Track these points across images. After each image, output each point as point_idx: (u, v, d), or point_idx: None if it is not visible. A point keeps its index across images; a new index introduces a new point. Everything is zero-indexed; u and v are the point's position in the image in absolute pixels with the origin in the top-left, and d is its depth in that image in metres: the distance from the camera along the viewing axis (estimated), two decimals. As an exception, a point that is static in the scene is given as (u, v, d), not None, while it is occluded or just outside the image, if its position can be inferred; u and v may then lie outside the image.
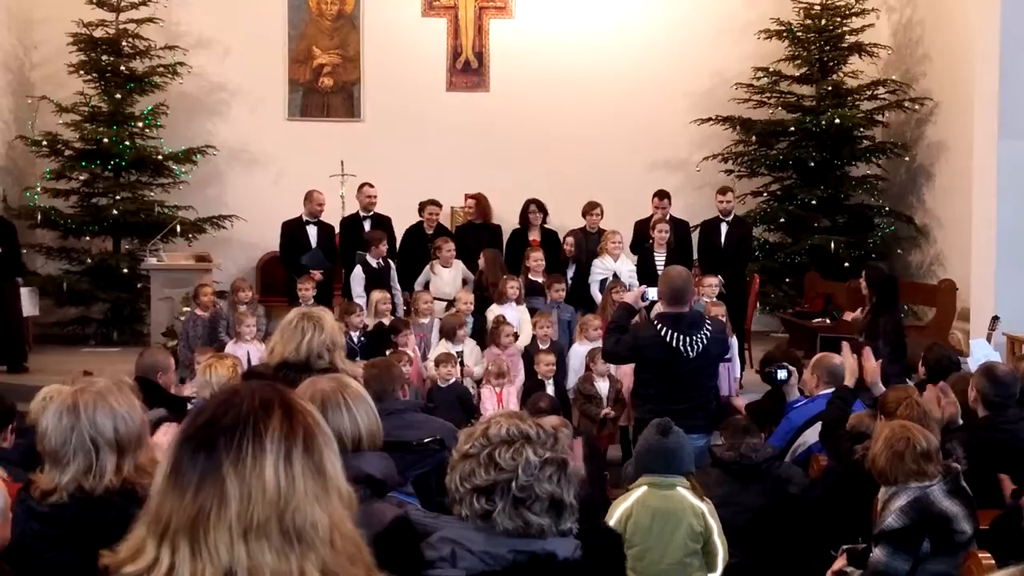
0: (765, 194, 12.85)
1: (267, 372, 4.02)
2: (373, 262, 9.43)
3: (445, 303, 9.26)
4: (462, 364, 7.98)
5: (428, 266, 9.61)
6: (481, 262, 9.45)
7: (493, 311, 8.72)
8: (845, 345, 5.52)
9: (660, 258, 9.55)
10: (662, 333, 5.60)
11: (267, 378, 3.92)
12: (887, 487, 4.17)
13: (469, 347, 8.23)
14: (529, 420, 2.37)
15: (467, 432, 2.39)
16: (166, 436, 3.57)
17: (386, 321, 8.53)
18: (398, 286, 9.48)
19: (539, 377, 7.78)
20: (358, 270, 9.36)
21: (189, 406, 6.33)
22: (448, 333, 8.16)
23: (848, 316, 8.94)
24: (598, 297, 9.28)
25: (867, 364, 5.38)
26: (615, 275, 9.31)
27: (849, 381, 5.32)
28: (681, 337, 5.58)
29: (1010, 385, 4.96)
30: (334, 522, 1.56)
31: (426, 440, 4.60)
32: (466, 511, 2.29)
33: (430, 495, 4.51)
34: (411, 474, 4.34)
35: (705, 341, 5.61)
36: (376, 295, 8.75)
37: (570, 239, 9.95)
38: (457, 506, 2.33)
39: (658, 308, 6.09)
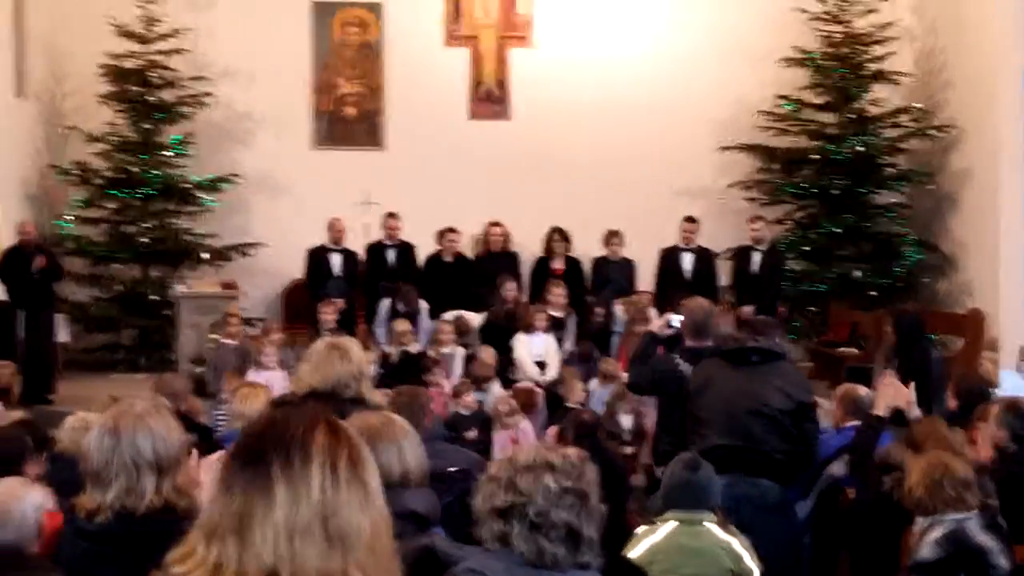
0: (789, 222, 12.81)
1: (295, 401, 4.04)
2: (400, 308, 9.49)
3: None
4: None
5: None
6: (511, 289, 9.42)
7: (520, 340, 8.71)
8: (884, 374, 5.50)
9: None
10: (680, 368, 5.59)
11: (297, 406, 3.96)
12: (924, 518, 4.13)
13: (498, 436, 8.04)
14: (558, 451, 2.39)
15: (497, 460, 2.47)
16: (213, 467, 3.62)
17: (412, 349, 8.55)
18: (428, 324, 9.49)
19: (571, 404, 7.71)
20: (383, 309, 9.38)
21: (216, 434, 6.40)
22: (477, 380, 8.09)
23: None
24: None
25: (899, 390, 5.34)
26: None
27: (881, 410, 5.26)
28: None
29: None
30: (375, 531, 1.63)
31: (451, 469, 4.63)
32: (486, 533, 2.35)
33: (455, 524, 4.53)
34: (437, 504, 4.38)
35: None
36: (400, 326, 8.76)
37: (599, 310, 9.84)
38: (479, 528, 2.38)
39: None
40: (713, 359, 5.35)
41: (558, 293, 9.36)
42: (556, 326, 9.24)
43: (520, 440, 7.26)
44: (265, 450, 1.60)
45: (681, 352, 5.79)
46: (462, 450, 5.08)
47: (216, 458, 3.96)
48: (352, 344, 4.13)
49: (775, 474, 5.10)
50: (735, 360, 5.22)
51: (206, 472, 3.24)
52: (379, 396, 4.43)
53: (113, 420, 2.86)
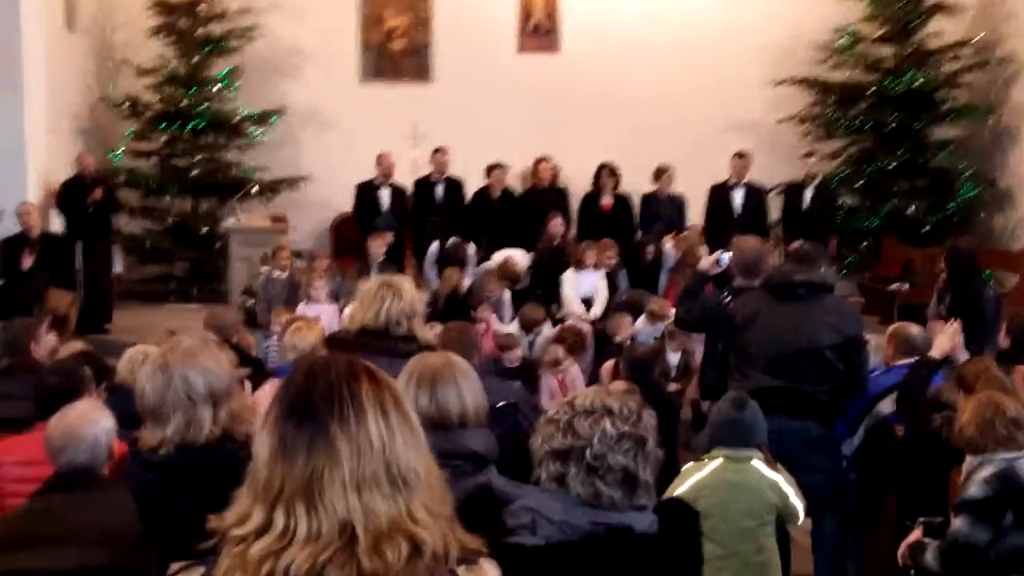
0: (843, 157, 12.60)
1: (348, 338, 4.10)
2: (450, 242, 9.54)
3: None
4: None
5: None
6: (558, 224, 9.39)
7: (568, 278, 8.70)
8: (937, 322, 5.45)
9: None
10: (729, 307, 5.56)
11: (349, 343, 4.02)
12: (974, 457, 4.12)
13: (545, 380, 7.97)
14: (617, 396, 2.42)
15: (557, 403, 2.50)
16: (268, 396, 3.69)
17: (464, 285, 8.58)
18: (477, 271, 9.52)
19: (618, 341, 7.73)
20: (433, 251, 9.40)
21: (268, 366, 6.52)
22: (527, 325, 8.07)
23: None
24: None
25: (952, 334, 5.29)
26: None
27: (937, 354, 5.22)
28: None
29: None
30: (428, 467, 1.68)
31: (500, 404, 4.69)
32: (544, 473, 2.39)
33: (504, 458, 4.60)
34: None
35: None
36: (450, 273, 8.76)
37: (651, 248, 9.74)
38: (537, 469, 2.42)
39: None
40: (758, 292, 5.31)
41: (610, 256, 9.19)
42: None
43: (568, 385, 7.28)
44: (316, 407, 1.61)
45: (730, 290, 5.76)
46: (511, 384, 5.13)
47: (268, 390, 4.03)
48: (404, 281, 4.15)
49: (819, 414, 5.12)
50: (781, 295, 5.17)
51: (260, 405, 3.32)
52: (430, 333, 4.48)
53: (163, 358, 2.94)
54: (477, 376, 3.01)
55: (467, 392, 2.90)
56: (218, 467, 2.77)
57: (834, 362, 5.09)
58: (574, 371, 7.44)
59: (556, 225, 9.40)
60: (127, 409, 4.68)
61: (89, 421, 3.43)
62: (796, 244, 8.77)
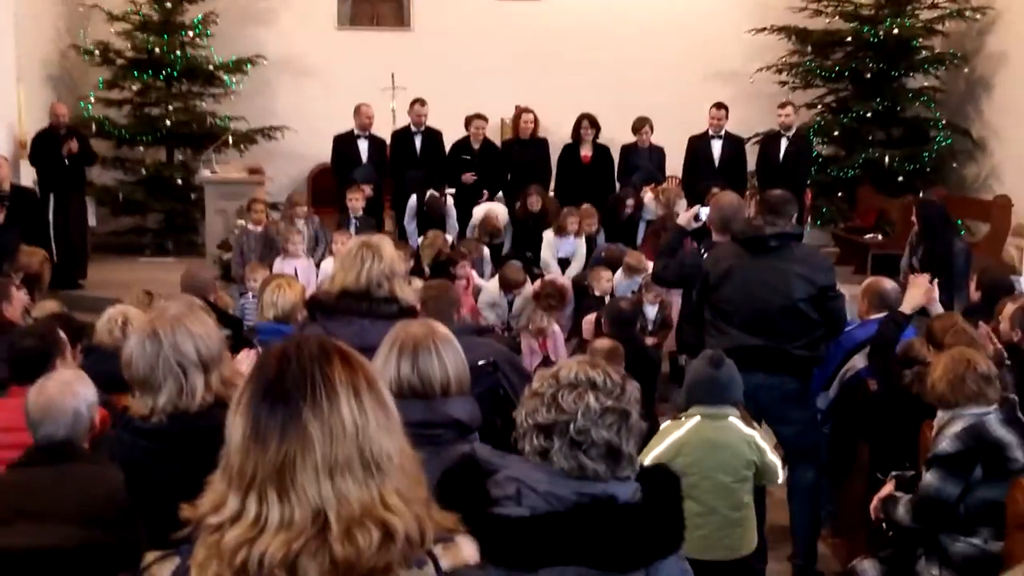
0: (820, 106, 12.62)
1: (329, 300, 4.10)
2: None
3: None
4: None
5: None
6: (535, 201, 9.39)
7: (548, 241, 8.71)
8: (913, 277, 5.51)
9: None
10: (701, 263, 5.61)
11: (330, 306, 4.02)
12: (945, 412, 4.21)
13: (522, 300, 8.05)
14: (601, 367, 2.44)
15: (541, 373, 2.49)
16: (246, 362, 3.69)
17: (446, 245, 8.57)
18: (455, 224, 9.49)
19: (597, 294, 7.77)
20: (411, 208, 9.38)
21: (245, 326, 6.51)
22: (507, 285, 8.01)
23: None
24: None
25: (922, 288, 5.36)
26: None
27: (907, 308, 5.29)
28: None
29: None
30: (402, 450, 1.66)
31: (480, 363, 4.72)
32: (527, 446, 2.40)
33: (484, 417, 4.64)
34: (464, 397, 4.48)
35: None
36: (430, 236, 8.73)
37: (630, 201, 9.71)
38: (521, 441, 2.43)
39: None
40: (730, 246, 5.33)
41: (590, 223, 9.16)
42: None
43: (549, 346, 7.32)
44: (289, 392, 1.59)
45: (708, 246, 5.80)
46: (491, 342, 5.12)
47: (245, 356, 4.00)
48: (384, 242, 4.14)
49: (796, 370, 5.21)
50: (753, 248, 5.20)
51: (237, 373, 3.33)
52: (411, 293, 4.48)
53: (151, 326, 2.89)
54: (458, 344, 3.02)
55: (449, 360, 2.91)
56: (213, 433, 2.79)
57: (808, 314, 5.16)
58: (554, 330, 7.47)
59: (534, 203, 9.39)
60: (105, 370, 4.66)
61: (70, 393, 3.36)
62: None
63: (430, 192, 9.47)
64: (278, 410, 1.58)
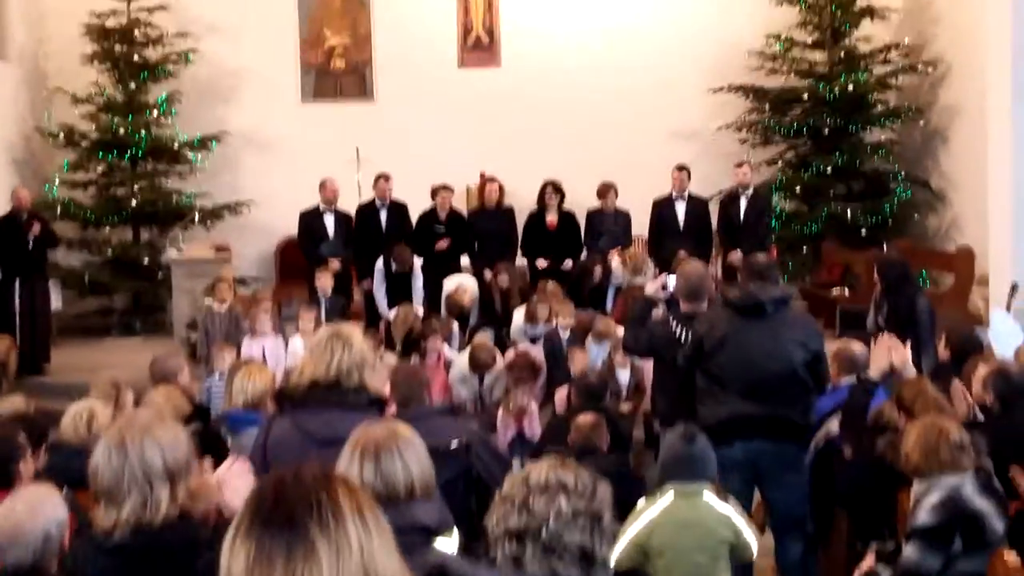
0: (780, 162, 12.80)
1: (299, 392, 4.07)
2: (394, 266, 9.50)
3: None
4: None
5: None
6: (504, 279, 9.43)
7: (518, 322, 8.70)
8: (881, 338, 5.54)
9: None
10: (676, 333, 5.63)
11: (300, 397, 3.98)
12: (921, 482, 4.20)
13: (493, 376, 7.99)
14: (571, 469, 2.43)
15: (511, 477, 2.48)
16: (240, 479, 3.62)
17: (417, 321, 8.55)
18: (422, 290, 9.51)
19: (573, 374, 7.69)
20: (379, 273, 9.40)
21: (213, 412, 6.44)
22: (477, 366, 7.89)
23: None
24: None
25: (896, 351, 5.40)
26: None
27: (875, 372, 5.31)
28: None
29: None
30: (402, 569, 1.69)
31: (453, 446, 4.69)
32: (500, 554, 2.37)
33: (458, 500, 4.60)
34: (438, 479, 4.44)
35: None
36: (401, 313, 8.71)
37: (598, 268, 9.74)
38: (493, 548, 2.41)
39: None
40: (723, 312, 5.33)
41: (565, 322, 9.06)
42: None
43: (524, 422, 7.26)
44: (295, 513, 1.60)
45: (675, 315, 5.82)
46: (463, 425, 5.12)
47: (228, 468, 3.93)
48: (354, 331, 4.12)
49: (796, 436, 5.27)
50: (748, 314, 5.22)
51: (225, 483, 3.28)
52: (381, 381, 4.46)
53: (119, 434, 2.85)
54: (422, 443, 3.00)
55: (413, 462, 2.89)
56: (176, 549, 2.75)
57: (805, 379, 5.24)
58: (532, 409, 7.42)
59: (503, 281, 9.45)
60: (71, 467, 4.61)
61: (40, 515, 3.24)
62: (735, 255, 8.91)
63: (396, 246, 9.50)
64: (283, 532, 1.59)
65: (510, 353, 8.07)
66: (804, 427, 5.27)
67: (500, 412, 7.25)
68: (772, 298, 5.21)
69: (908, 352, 5.52)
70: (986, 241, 10.23)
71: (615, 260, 9.64)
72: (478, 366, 7.77)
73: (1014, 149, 9.53)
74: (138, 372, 8.22)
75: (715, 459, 4.43)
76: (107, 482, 2.81)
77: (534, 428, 7.17)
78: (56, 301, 11.09)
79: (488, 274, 9.69)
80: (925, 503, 4.13)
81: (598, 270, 9.54)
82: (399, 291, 9.44)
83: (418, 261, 9.75)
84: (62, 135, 11.91)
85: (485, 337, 8.53)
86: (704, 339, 5.29)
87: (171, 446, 2.87)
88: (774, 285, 5.38)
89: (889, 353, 5.34)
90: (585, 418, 5.71)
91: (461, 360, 7.96)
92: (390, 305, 9.17)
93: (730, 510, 4.38)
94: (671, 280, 6.21)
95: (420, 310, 9.18)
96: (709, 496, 4.36)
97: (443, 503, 2.98)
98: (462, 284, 9.39)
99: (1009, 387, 4.96)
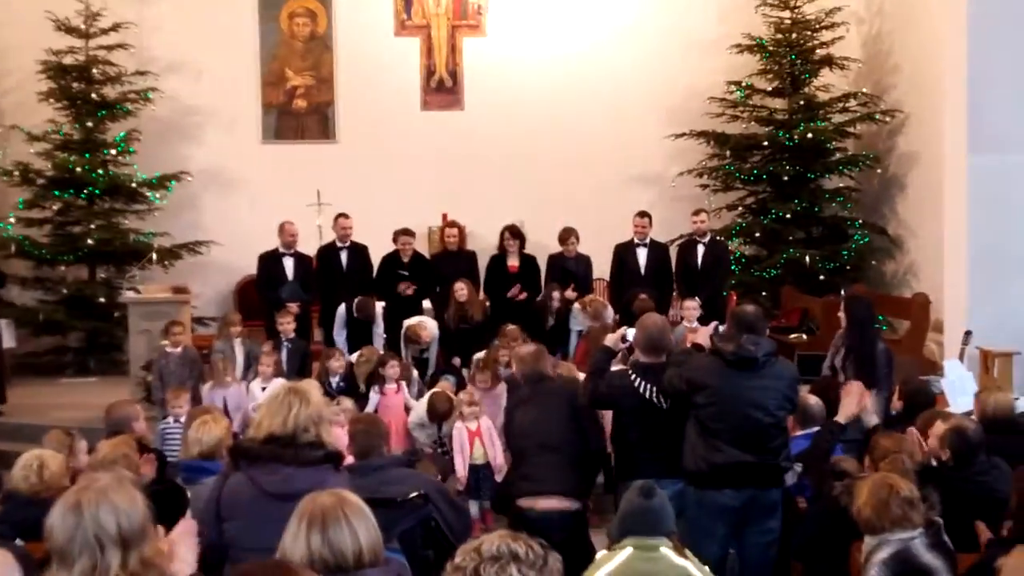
0: (740, 208, 12.94)
1: (254, 446, 4.02)
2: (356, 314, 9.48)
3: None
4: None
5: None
6: (460, 290, 9.44)
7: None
8: (850, 384, 5.63)
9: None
10: (636, 384, 5.63)
11: (254, 452, 3.93)
12: (872, 537, 4.23)
13: (457, 429, 7.82)
14: (523, 540, 2.42)
15: (463, 547, 2.47)
16: (183, 544, 3.56)
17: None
18: (383, 336, 9.48)
19: None
20: (340, 319, 9.37)
21: (168, 458, 6.35)
22: (435, 415, 7.81)
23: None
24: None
25: (857, 397, 5.53)
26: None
27: (843, 419, 5.45)
28: (654, 389, 5.61)
29: (980, 443, 5.06)
30: None
31: (411, 496, 4.66)
32: None
33: (415, 549, 4.57)
34: (396, 530, 4.40)
35: (680, 392, 5.64)
36: (365, 353, 8.68)
37: (555, 294, 9.80)
38: None
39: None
40: (711, 361, 5.38)
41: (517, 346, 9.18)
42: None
43: (485, 440, 7.29)
44: None
45: (634, 367, 5.82)
46: (421, 475, 5.10)
47: (182, 530, 3.86)
48: (311, 388, 4.12)
49: (779, 482, 5.39)
50: (740, 367, 5.29)
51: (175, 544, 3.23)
52: (338, 435, 4.43)
53: (75, 496, 2.82)
54: (369, 510, 2.97)
55: (361, 529, 2.86)
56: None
57: (785, 427, 5.42)
58: (488, 425, 7.46)
59: (460, 291, 9.46)
60: (22, 517, 4.54)
61: None
62: (690, 303, 8.99)
63: (359, 298, 9.45)
64: None
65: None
66: (784, 471, 5.41)
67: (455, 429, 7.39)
68: (765, 353, 5.31)
69: (870, 401, 5.62)
70: (941, 288, 10.37)
71: (576, 306, 9.66)
72: (435, 416, 7.74)
73: (969, 198, 9.64)
74: (93, 413, 8.17)
75: (673, 513, 4.41)
76: (60, 543, 2.78)
77: (495, 445, 7.24)
78: (10, 340, 10.90)
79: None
80: (875, 558, 4.16)
81: (556, 295, 9.63)
82: (360, 337, 9.37)
83: (379, 305, 9.71)
84: (17, 173, 11.76)
85: (446, 385, 8.48)
86: (696, 393, 5.35)
87: (128, 510, 2.83)
88: (763, 336, 5.44)
89: (859, 400, 5.43)
90: (526, 348, 5.89)
91: (420, 407, 7.92)
92: (350, 351, 9.10)
93: (688, 564, 4.35)
94: (630, 332, 6.21)
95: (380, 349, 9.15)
96: (667, 550, 4.34)
97: (390, 570, 2.94)
98: (423, 320, 9.40)
99: (967, 445, 5.01)
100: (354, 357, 8.70)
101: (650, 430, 5.62)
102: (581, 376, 7.35)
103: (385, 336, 9.49)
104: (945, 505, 4.63)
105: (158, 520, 3.77)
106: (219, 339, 9.30)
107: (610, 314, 9.33)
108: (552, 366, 8.33)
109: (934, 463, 5.23)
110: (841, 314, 7.54)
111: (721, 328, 6.07)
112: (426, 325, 9.36)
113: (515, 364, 5.84)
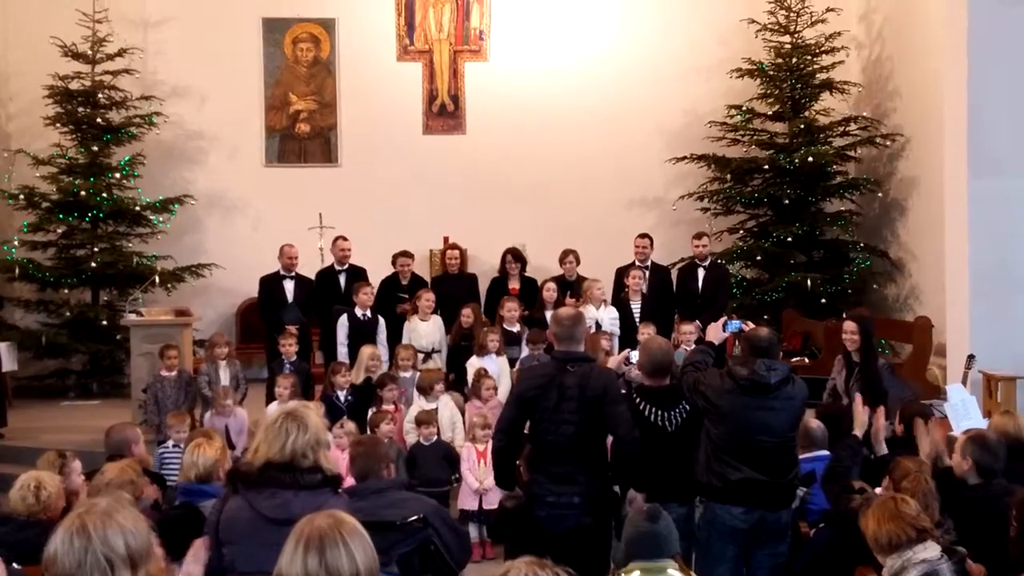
0: (741, 231, 12.96)
1: (251, 472, 4.01)
2: (360, 313, 9.45)
3: (422, 355, 9.27)
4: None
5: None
6: (467, 316, 9.45)
7: (473, 364, 8.74)
8: (858, 399, 5.63)
9: (636, 306, 9.63)
10: (640, 407, 5.62)
11: (252, 478, 3.92)
12: (894, 558, 4.13)
13: (444, 402, 8.19)
14: (549, 567, 2.41)
15: (491, 573, 2.47)
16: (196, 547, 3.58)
17: (375, 377, 8.51)
18: (385, 341, 9.46)
19: None
20: (344, 319, 9.38)
21: (167, 482, 6.35)
22: (424, 389, 8.15)
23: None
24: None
25: (876, 421, 5.55)
26: (597, 324, 9.32)
27: (859, 431, 5.45)
28: (659, 412, 5.60)
29: (1000, 453, 5.02)
30: None
31: (410, 519, 4.65)
32: None
33: (413, 573, 4.56)
34: (395, 553, 4.39)
35: (684, 415, 5.63)
36: (366, 351, 8.70)
37: (551, 284, 9.95)
38: None
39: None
40: (726, 381, 5.37)
41: (511, 308, 9.37)
42: (513, 341, 9.24)
43: (487, 457, 7.31)
44: None
45: (639, 391, 5.81)
46: (421, 498, 5.07)
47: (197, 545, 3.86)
48: (309, 412, 4.09)
49: (790, 502, 5.42)
50: (755, 391, 5.29)
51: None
52: (336, 457, 4.42)
53: (79, 520, 2.81)
54: (367, 532, 2.96)
55: (358, 552, 2.84)
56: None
57: (794, 446, 5.46)
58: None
59: (466, 315, 9.48)
60: (20, 539, 4.55)
61: None
62: (687, 327, 8.98)
63: (360, 284, 9.52)
64: None
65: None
66: (794, 492, 5.47)
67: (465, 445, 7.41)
68: (778, 380, 5.32)
69: (881, 422, 5.62)
70: (943, 311, 10.35)
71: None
72: (422, 388, 7.96)
73: (970, 222, 9.65)
74: (93, 436, 8.17)
75: (677, 536, 4.42)
76: (67, 567, 2.76)
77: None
78: (11, 363, 10.91)
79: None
80: (901, 580, 4.09)
81: (549, 286, 9.70)
82: (362, 340, 9.36)
83: (381, 320, 9.72)
84: (22, 196, 11.81)
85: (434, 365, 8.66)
86: (712, 414, 5.37)
87: (133, 530, 2.85)
88: (777, 360, 5.46)
89: (868, 411, 5.45)
90: (565, 310, 5.78)
91: (410, 414, 8.03)
92: (351, 355, 9.12)
93: (693, 586, 4.36)
94: (634, 355, 6.22)
95: (384, 353, 9.16)
96: (673, 572, 4.33)
97: None
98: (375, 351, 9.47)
99: (987, 456, 4.98)
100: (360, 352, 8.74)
101: (654, 453, 5.61)
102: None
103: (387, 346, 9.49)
104: (961, 528, 4.60)
105: (176, 544, 3.82)
106: (204, 362, 9.32)
107: (592, 308, 9.35)
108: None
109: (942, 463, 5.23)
110: (848, 335, 7.44)
111: (633, 355, 6.07)
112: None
113: (552, 325, 5.75)
